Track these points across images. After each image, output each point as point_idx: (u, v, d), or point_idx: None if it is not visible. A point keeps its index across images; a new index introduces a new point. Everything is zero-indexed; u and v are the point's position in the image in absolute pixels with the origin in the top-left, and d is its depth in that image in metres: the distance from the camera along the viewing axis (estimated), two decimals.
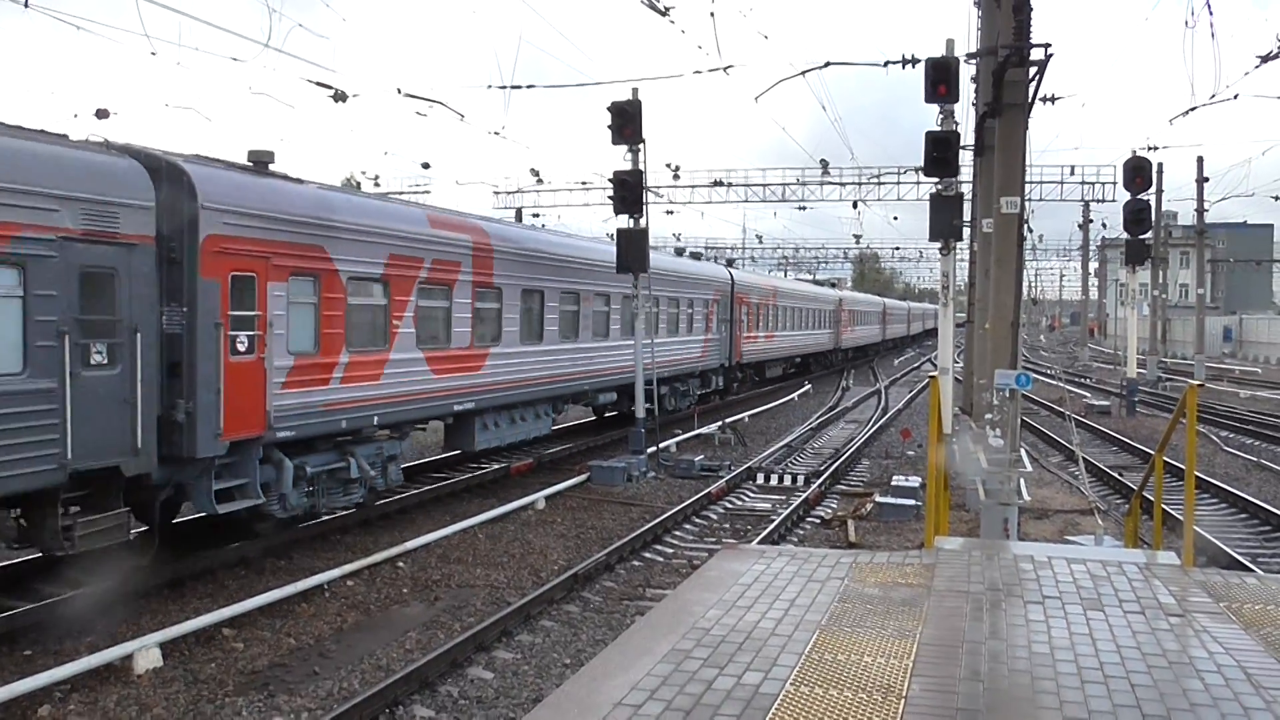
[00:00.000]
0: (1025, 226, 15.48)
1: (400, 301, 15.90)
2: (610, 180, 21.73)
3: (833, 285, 64.97)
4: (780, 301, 42.37)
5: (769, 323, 40.39)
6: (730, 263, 43.98)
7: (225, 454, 12.43)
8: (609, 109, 20.80)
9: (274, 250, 13.14)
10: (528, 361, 20.18)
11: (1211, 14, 16.93)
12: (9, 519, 10.67)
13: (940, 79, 17.18)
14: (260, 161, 14.15)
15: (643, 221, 21.37)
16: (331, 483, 14.79)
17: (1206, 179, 43.51)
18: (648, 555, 14.84)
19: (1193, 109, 24.68)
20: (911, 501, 17.23)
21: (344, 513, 15.63)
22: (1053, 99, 23.11)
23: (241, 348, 12.54)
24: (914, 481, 18.36)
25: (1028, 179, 14.67)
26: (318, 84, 20.00)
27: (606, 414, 28.08)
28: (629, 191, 21.16)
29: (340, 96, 21.04)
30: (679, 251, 39.44)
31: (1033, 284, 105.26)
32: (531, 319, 20.53)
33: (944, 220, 18.78)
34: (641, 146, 20.95)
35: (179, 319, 11.80)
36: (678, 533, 16.27)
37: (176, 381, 11.78)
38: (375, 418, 15.32)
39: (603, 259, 23.07)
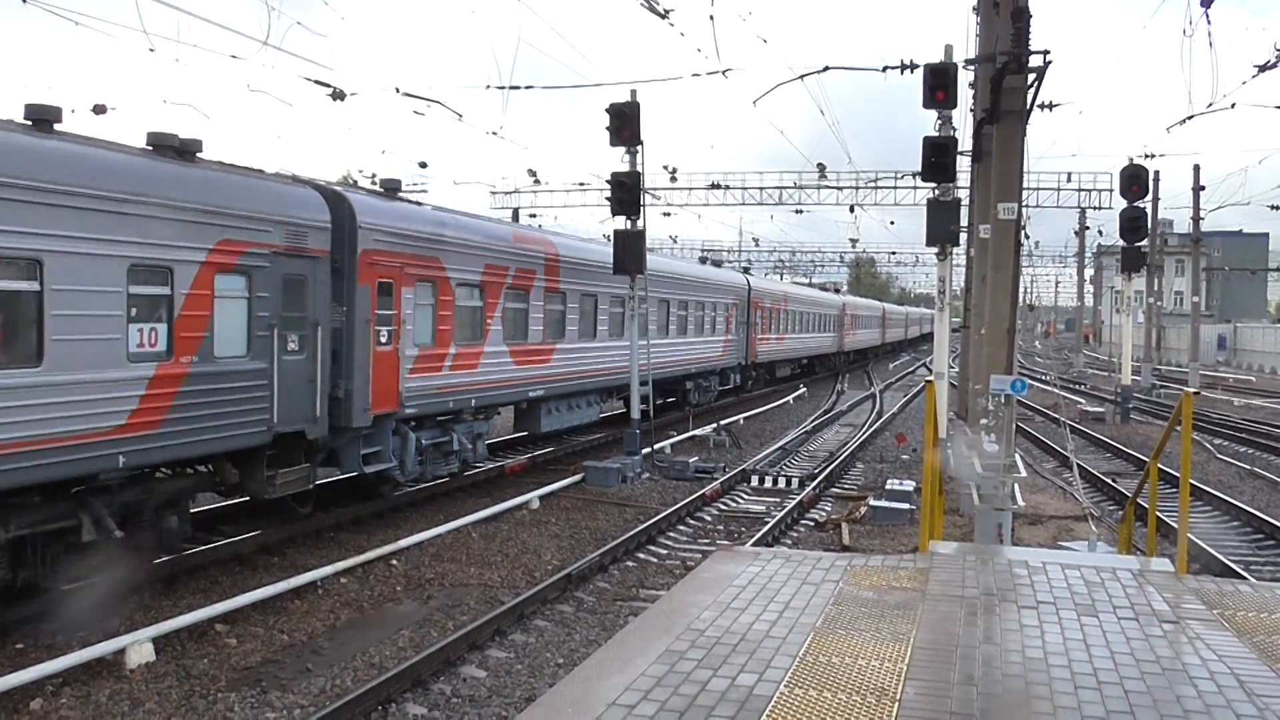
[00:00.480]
0: (1022, 233, 15.50)
1: (492, 303, 19.06)
2: (608, 182, 21.72)
3: (836, 290, 66.27)
4: (790, 306, 45.15)
5: (780, 326, 43.17)
6: (746, 270, 47.26)
7: (369, 425, 15.32)
8: (607, 110, 20.79)
9: (406, 261, 16.15)
10: (585, 356, 23.41)
11: (1210, 23, 16.92)
12: (230, 470, 13.22)
13: (939, 85, 17.19)
14: (390, 188, 17.37)
15: (640, 223, 21.37)
16: (436, 454, 17.71)
17: (1203, 187, 43.59)
18: (642, 556, 14.84)
19: (1190, 117, 24.65)
20: (905, 505, 17.26)
21: (443, 479, 18.61)
22: (1051, 106, 23.06)
23: (383, 340, 15.51)
24: (908, 485, 18.38)
25: (1025, 185, 14.69)
26: (316, 82, 19.97)
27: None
28: (627, 193, 21.15)
29: (338, 95, 21.01)
30: (702, 260, 42.45)
31: (1028, 290, 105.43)
32: (587, 319, 23.70)
33: (941, 225, 18.79)
34: (639, 148, 20.94)
35: (340, 317, 14.70)
36: (672, 534, 16.28)
37: (338, 366, 14.64)
38: (473, 400, 18.41)
39: (657, 268, 27.04)
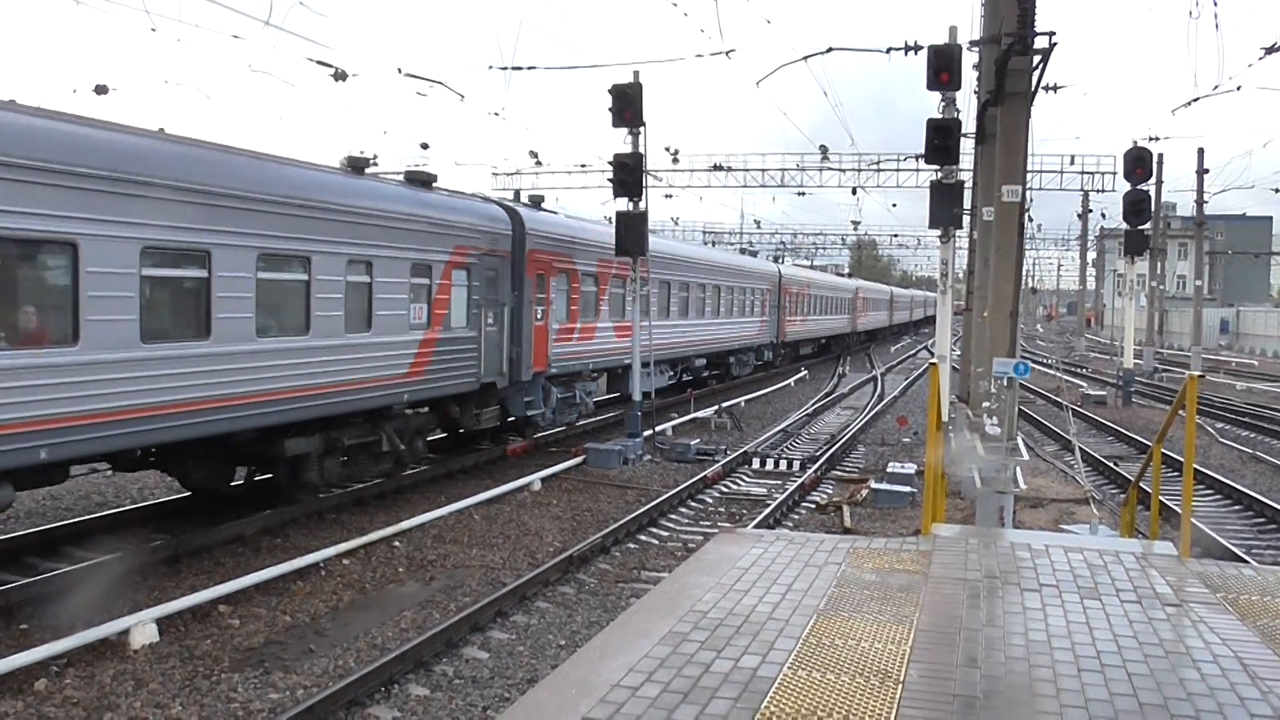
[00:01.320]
0: (1026, 215, 15.46)
1: (602, 289, 24.65)
2: (610, 163, 21.66)
3: (837, 273, 69.15)
4: (813, 291, 50.43)
5: (805, 309, 48.42)
6: (777, 259, 52.19)
7: (529, 380, 20.54)
8: (610, 91, 20.71)
9: (552, 258, 21.58)
10: (663, 332, 28.20)
11: (1216, 4, 16.83)
12: (453, 408, 18.64)
13: (943, 66, 17.10)
14: (536, 202, 23.24)
15: (642, 205, 21.32)
16: (564, 406, 22.86)
17: (1207, 170, 43.44)
18: (643, 538, 14.86)
19: (1195, 100, 24.63)
20: (907, 489, 17.25)
21: (567, 424, 23.63)
22: (1055, 88, 23.11)
23: (538, 317, 20.89)
24: (910, 468, 18.38)
25: (1029, 168, 14.63)
26: (318, 62, 19.89)
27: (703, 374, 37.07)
28: (629, 175, 21.09)
29: (340, 75, 20.92)
30: (741, 251, 50.36)
31: (1031, 273, 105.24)
32: (666, 301, 29.61)
33: (944, 208, 18.72)
34: (642, 130, 20.87)
35: (513, 300, 19.71)
36: (673, 516, 16.29)
37: (513, 336, 19.85)
38: (590, 364, 23.99)
39: (712, 259, 36.62)
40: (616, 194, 21.46)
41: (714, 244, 68.37)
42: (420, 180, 17.85)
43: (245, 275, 12.90)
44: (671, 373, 31.12)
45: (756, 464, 20.70)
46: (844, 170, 47.45)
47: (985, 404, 13.19)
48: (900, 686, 5.27)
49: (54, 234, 10.36)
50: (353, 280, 14.96)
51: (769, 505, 16.49)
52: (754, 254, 49.16)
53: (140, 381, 11.47)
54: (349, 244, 14.77)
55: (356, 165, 16.03)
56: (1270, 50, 19.98)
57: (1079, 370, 49.12)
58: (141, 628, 9.72)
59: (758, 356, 41.28)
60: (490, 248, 18.88)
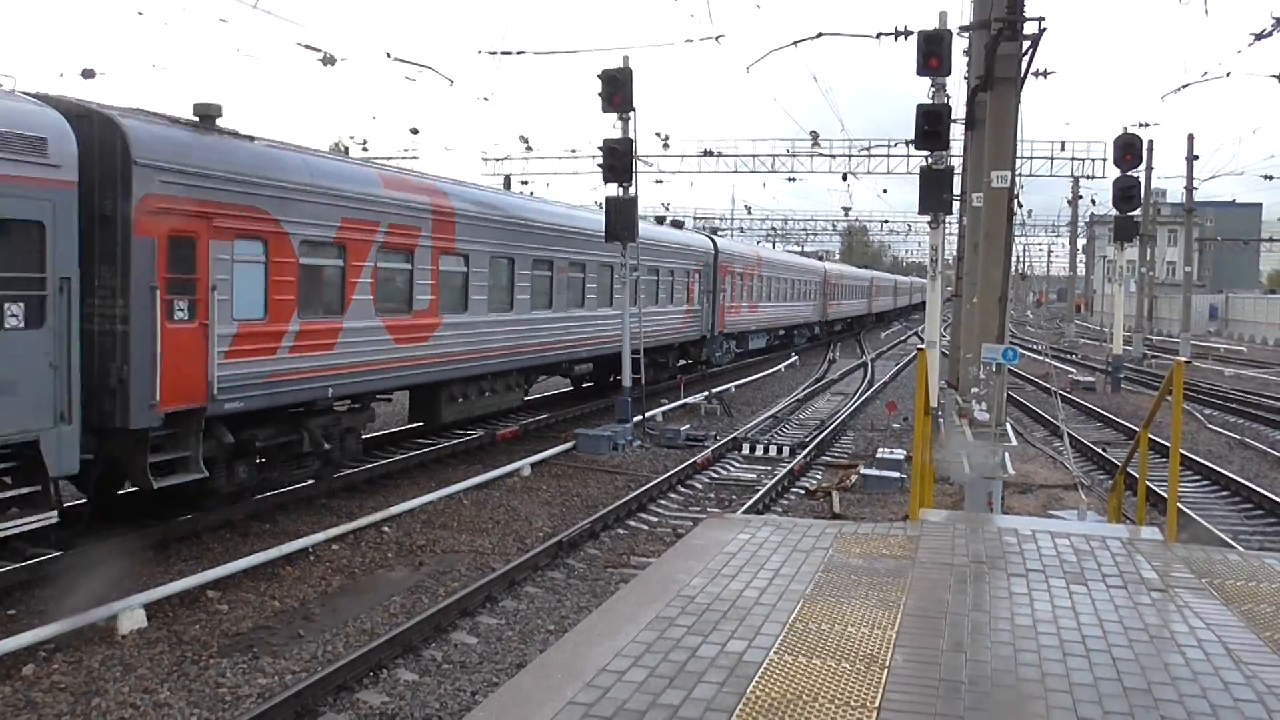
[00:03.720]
0: (1015, 201, 15.46)
1: (746, 283, 39.11)
2: (600, 148, 21.63)
3: (820, 257, 65.40)
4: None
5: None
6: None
7: (717, 336, 34.53)
8: (599, 76, 20.68)
9: (729, 265, 36.63)
10: (759, 312, 41.75)
11: None
12: (692, 349, 33.12)
13: (932, 52, 17.10)
14: (714, 230, 48.70)
15: (632, 190, 21.30)
16: (730, 352, 37.12)
17: (1196, 157, 43.59)
18: (633, 523, 14.88)
19: (1185, 86, 24.71)
20: (896, 474, 17.29)
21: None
22: (1045, 74, 23.09)
23: (724, 300, 36.11)
24: (899, 454, 18.41)
25: (1018, 154, 14.63)
26: (307, 47, 19.82)
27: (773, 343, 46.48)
28: (618, 160, 21.07)
29: (329, 60, 20.88)
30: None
31: (1021, 259, 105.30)
32: (767, 292, 42.70)
33: (934, 194, 18.73)
34: (631, 115, 20.85)
35: (712, 290, 34.36)
36: (663, 501, 16.31)
37: (712, 312, 34.77)
38: (753, 327, 40.87)
39: (785, 260, 49.62)
40: (606, 179, 21.44)
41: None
42: (676, 223, 35.07)
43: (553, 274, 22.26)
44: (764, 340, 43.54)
45: (746, 449, 20.71)
46: (834, 156, 47.42)
47: (974, 390, 13.22)
48: (886, 671, 5.29)
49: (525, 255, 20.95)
50: (653, 278, 27.80)
51: (758, 491, 16.52)
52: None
53: (488, 336, 19.23)
54: (663, 262, 29.08)
55: (675, 223, 30.21)
56: (1260, 36, 20.03)
57: (1068, 356, 49.25)
58: (130, 613, 9.71)
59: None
60: (706, 264, 33.69)
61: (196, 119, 13.14)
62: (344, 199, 15.01)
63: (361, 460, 16.80)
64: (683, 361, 33.44)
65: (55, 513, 10.69)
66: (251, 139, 13.80)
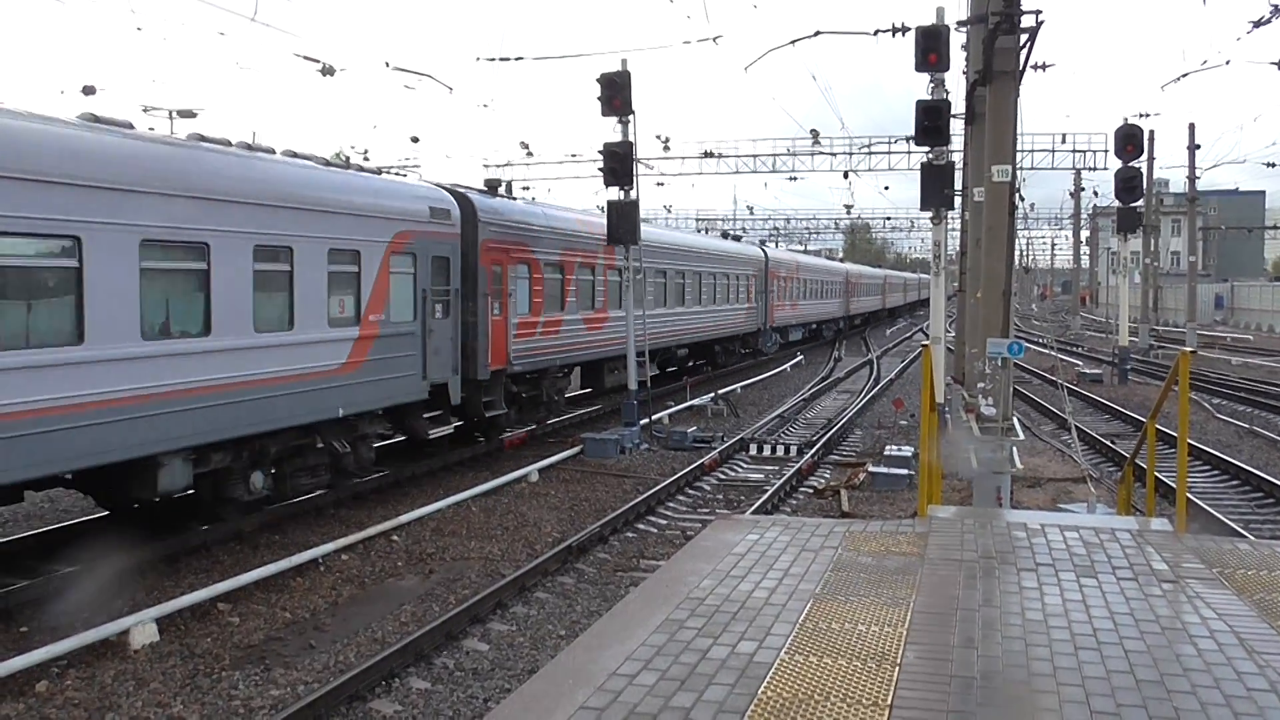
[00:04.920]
0: (1017, 195, 15.45)
1: (793, 286, 46.69)
2: (600, 152, 21.64)
3: (828, 256, 69.62)
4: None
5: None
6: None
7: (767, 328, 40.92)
8: (598, 80, 20.69)
9: (776, 269, 43.93)
10: (799, 309, 47.66)
11: None
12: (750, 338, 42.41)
13: (931, 47, 17.11)
14: (763, 242, 50.85)
15: (633, 193, 21.30)
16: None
17: (1198, 146, 43.57)
18: (641, 527, 14.88)
19: (1184, 75, 24.70)
20: (904, 471, 17.27)
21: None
22: (1044, 66, 22.98)
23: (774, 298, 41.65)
24: (907, 451, 18.39)
25: (1019, 147, 14.63)
26: (306, 58, 19.87)
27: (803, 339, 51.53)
28: (619, 164, 21.09)
29: (328, 70, 20.92)
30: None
31: (1024, 253, 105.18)
32: (804, 291, 48.99)
33: (935, 189, 18.73)
34: (631, 118, 20.87)
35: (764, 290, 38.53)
36: (671, 504, 16.30)
37: (765, 309, 42.03)
38: (795, 321, 47.93)
39: (818, 264, 55.74)
40: (607, 183, 21.47)
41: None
42: (734, 236, 43.89)
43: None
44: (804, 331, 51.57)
45: (754, 450, 20.72)
46: (835, 154, 47.44)
47: (980, 385, 13.20)
48: (897, 669, 5.27)
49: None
50: (726, 283, 35.11)
51: (766, 491, 16.51)
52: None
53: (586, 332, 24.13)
54: (731, 269, 36.40)
55: (734, 236, 34.54)
56: (1259, 24, 20.01)
57: (1074, 349, 49.17)
58: (141, 627, 9.73)
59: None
60: (759, 270, 40.75)
61: (489, 188, 21.12)
62: (563, 235, 22.84)
63: (370, 470, 16.82)
64: (743, 350, 41.50)
65: (452, 428, 18.56)
66: (515, 199, 22.92)
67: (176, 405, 11.71)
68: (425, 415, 17.42)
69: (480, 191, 20.21)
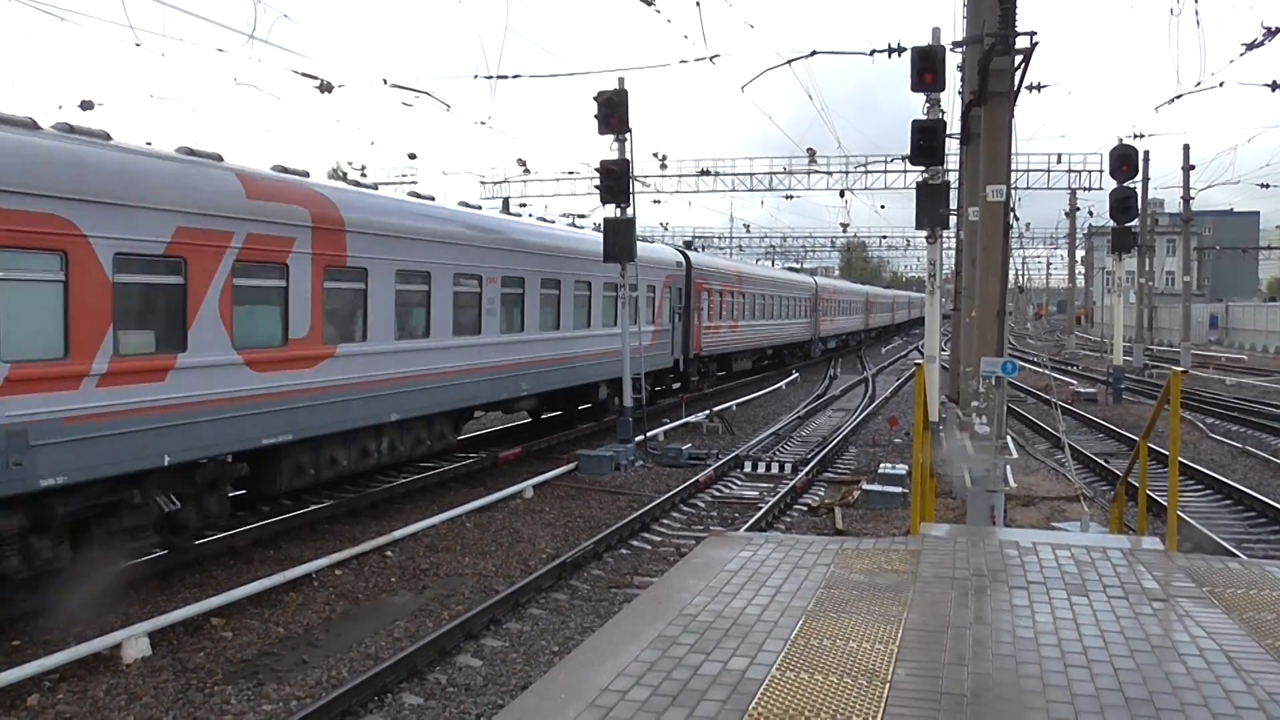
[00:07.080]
0: (1011, 214, 15.52)
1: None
2: (597, 170, 21.71)
3: (811, 273, 65.24)
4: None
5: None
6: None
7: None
8: (595, 99, 20.77)
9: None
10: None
11: (1197, 1, 16.98)
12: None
13: (926, 67, 17.19)
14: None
15: (629, 211, 21.38)
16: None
17: (1192, 166, 43.75)
18: (635, 543, 14.88)
19: (1178, 96, 24.81)
20: (899, 489, 17.27)
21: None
22: (1039, 87, 23.22)
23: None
24: (901, 469, 18.40)
25: (1014, 167, 14.70)
26: (303, 74, 19.93)
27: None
28: (616, 181, 21.15)
29: (326, 87, 20.97)
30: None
31: (1019, 272, 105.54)
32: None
33: (930, 209, 18.81)
34: (628, 136, 20.94)
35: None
36: (665, 521, 16.30)
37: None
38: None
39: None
40: (604, 200, 21.53)
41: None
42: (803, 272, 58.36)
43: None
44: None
45: (748, 467, 20.72)
46: (831, 173, 47.65)
47: (974, 403, 13.24)
48: (888, 685, 5.30)
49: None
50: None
51: (760, 508, 16.51)
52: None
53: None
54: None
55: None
56: (1251, 46, 20.10)
57: (1069, 368, 49.25)
58: (134, 641, 9.71)
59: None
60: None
61: (686, 245, 38.97)
62: (723, 274, 36.48)
63: (376, 482, 16.95)
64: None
65: (680, 391, 32.56)
66: (701, 249, 41.27)
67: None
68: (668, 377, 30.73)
69: (688, 248, 36.30)
